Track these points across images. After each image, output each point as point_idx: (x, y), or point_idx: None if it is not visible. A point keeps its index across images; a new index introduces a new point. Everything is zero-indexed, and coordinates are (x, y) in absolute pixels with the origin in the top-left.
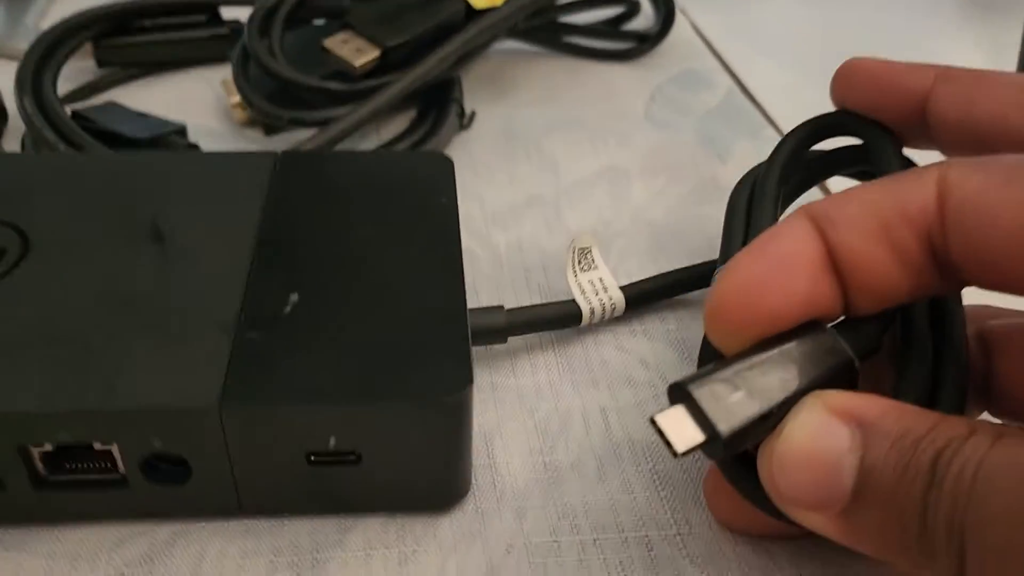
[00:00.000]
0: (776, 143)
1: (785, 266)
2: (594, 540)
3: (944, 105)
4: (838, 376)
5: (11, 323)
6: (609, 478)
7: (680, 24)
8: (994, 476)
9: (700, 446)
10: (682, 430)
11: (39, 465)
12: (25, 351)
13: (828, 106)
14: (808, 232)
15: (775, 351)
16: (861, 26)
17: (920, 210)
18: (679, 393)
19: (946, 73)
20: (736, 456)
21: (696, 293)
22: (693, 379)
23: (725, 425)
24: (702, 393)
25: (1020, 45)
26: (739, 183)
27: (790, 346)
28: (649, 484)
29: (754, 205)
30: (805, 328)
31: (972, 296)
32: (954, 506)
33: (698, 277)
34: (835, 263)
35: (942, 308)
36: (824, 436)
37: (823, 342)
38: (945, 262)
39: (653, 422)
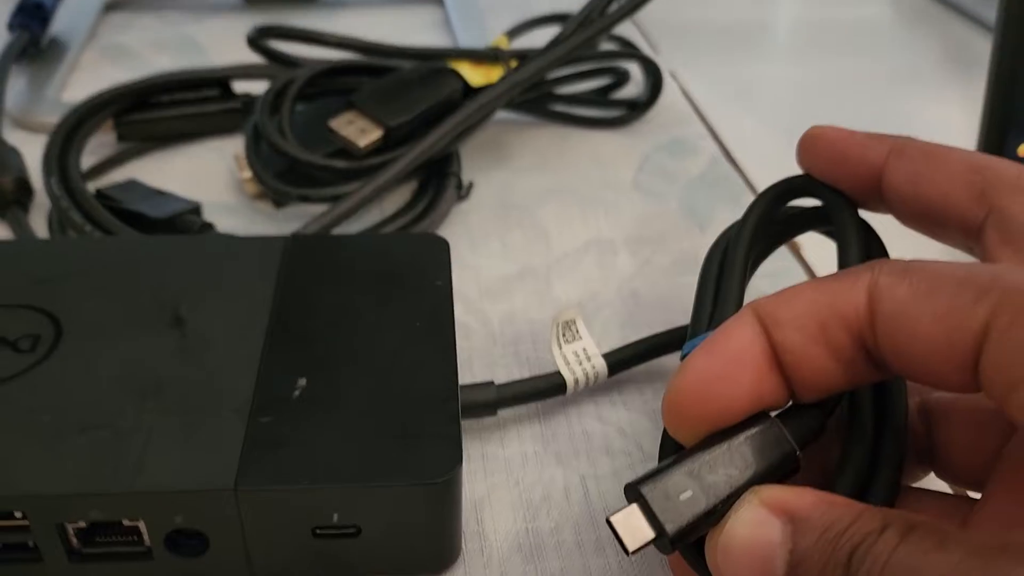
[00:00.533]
0: None
1: (734, 366)
2: None
3: (896, 179)
4: (781, 466)
5: (47, 409)
6: (585, 544)
7: (670, 88)
8: (902, 569)
9: (650, 542)
10: (634, 528)
11: (74, 539)
12: (62, 436)
13: None
14: (755, 331)
15: (724, 446)
16: (848, 87)
17: (854, 313)
18: (633, 493)
19: (900, 147)
20: (693, 547)
21: (673, 357)
22: (646, 479)
23: (672, 525)
24: (653, 495)
25: (982, 108)
26: (712, 247)
27: (738, 440)
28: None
29: (723, 275)
30: (753, 420)
31: None
32: None
33: (675, 341)
34: (778, 359)
35: (885, 390)
36: (759, 530)
37: (768, 435)
38: (877, 358)
39: (609, 522)
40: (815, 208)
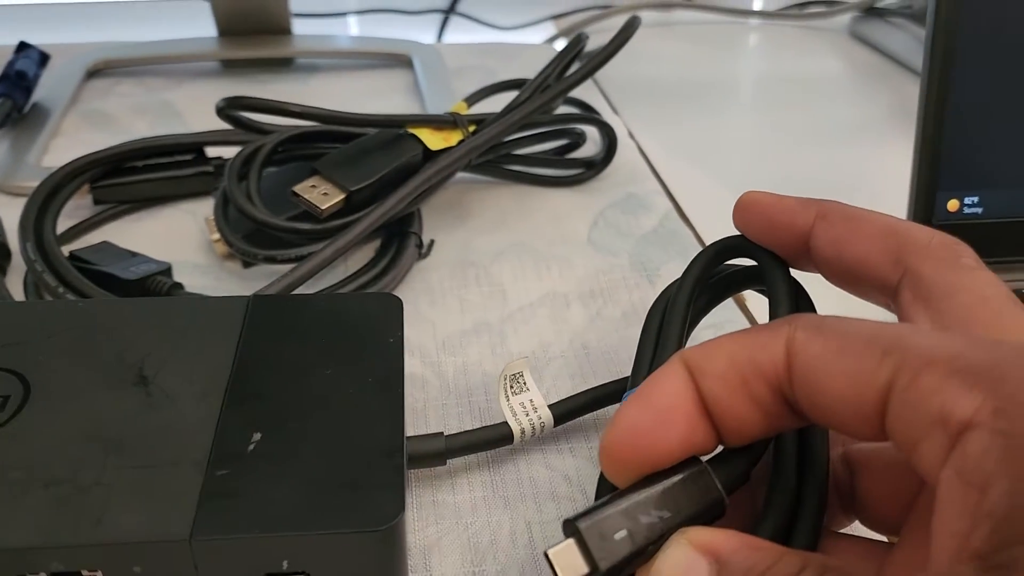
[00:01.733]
0: None
1: (665, 415)
2: None
3: (821, 243)
4: (709, 510)
5: (14, 466)
6: None
7: (626, 146)
8: None
9: None
10: (570, 563)
11: None
12: (26, 492)
13: None
14: (683, 381)
15: (657, 488)
16: (801, 141)
17: (772, 366)
18: (571, 528)
19: (824, 212)
20: None
21: (618, 407)
22: (584, 515)
23: (605, 562)
24: (589, 532)
25: (911, 166)
26: (654, 304)
27: (669, 484)
28: None
29: (663, 329)
30: (684, 465)
31: None
32: None
33: (619, 391)
34: (706, 408)
35: (808, 439)
36: (686, 569)
37: (698, 480)
38: (795, 407)
39: (546, 555)
40: (752, 267)
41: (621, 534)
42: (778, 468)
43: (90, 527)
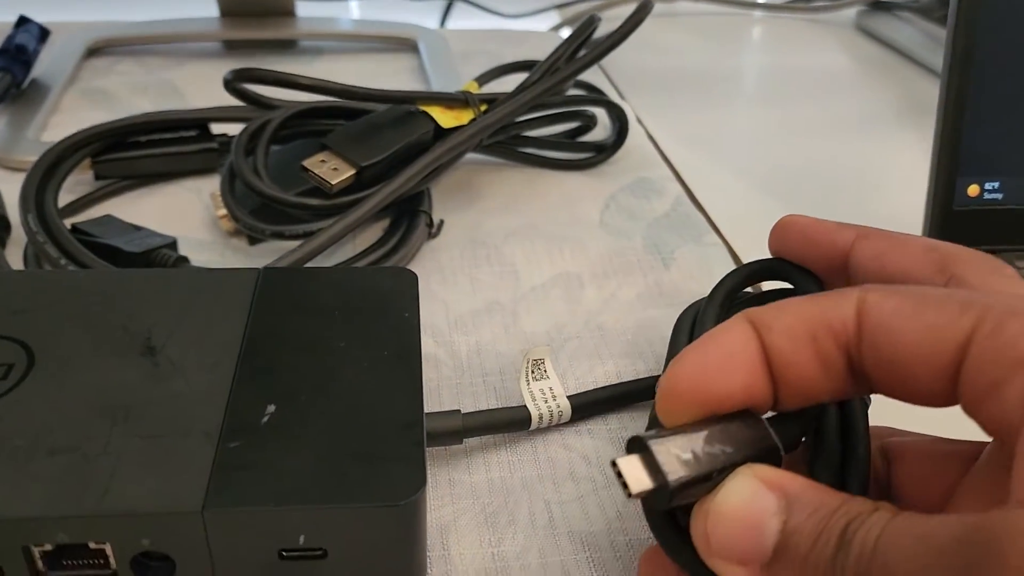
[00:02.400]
0: (716, 248)
1: (728, 360)
2: None
3: (863, 258)
4: (766, 460)
5: (18, 434)
6: (550, 567)
7: (635, 133)
8: (893, 541)
9: (650, 492)
10: (637, 476)
11: (39, 563)
12: (30, 460)
13: (768, 211)
14: (748, 334)
15: (718, 427)
16: (808, 132)
17: (842, 325)
18: (638, 445)
19: (865, 232)
20: (670, 523)
21: (636, 406)
22: (650, 436)
23: (674, 477)
24: (658, 448)
25: (931, 152)
26: (681, 315)
27: (729, 424)
28: (586, 570)
29: (695, 327)
30: (741, 415)
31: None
32: (859, 564)
33: (637, 392)
34: (769, 363)
35: (849, 424)
36: (754, 500)
37: (756, 429)
38: (859, 370)
39: (613, 463)
40: (780, 290)
41: (687, 456)
42: (821, 446)
43: (97, 497)
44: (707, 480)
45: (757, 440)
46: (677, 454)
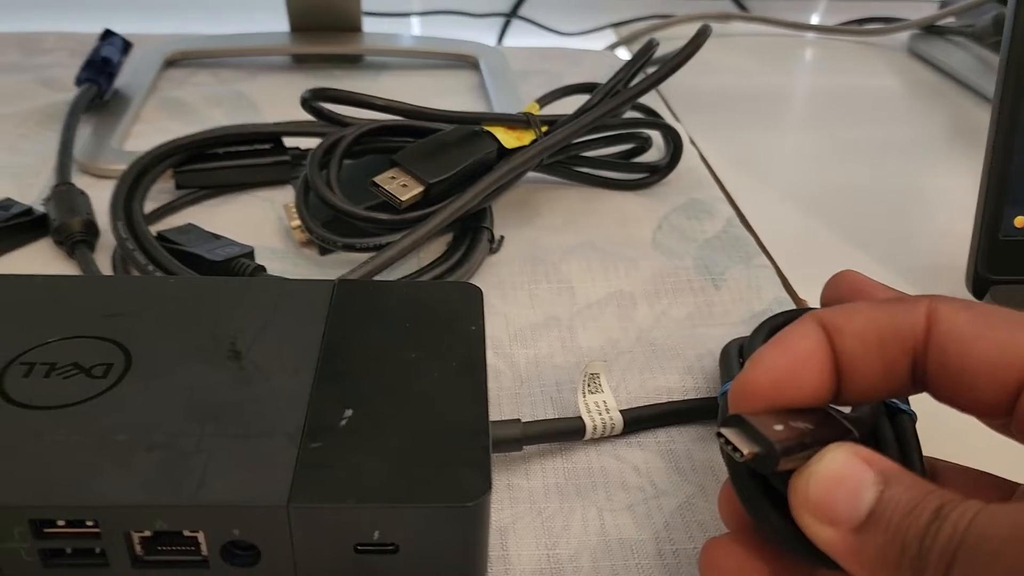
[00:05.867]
0: (765, 270)
1: (801, 363)
2: None
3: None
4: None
5: (119, 429)
6: (601, 570)
7: (689, 154)
8: (989, 521)
9: (757, 456)
10: (742, 443)
11: (138, 547)
12: (132, 454)
13: (816, 234)
14: (819, 336)
15: (796, 413)
16: (858, 155)
17: (910, 332)
18: (735, 420)
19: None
20: (760, 489)
21: (686, 426)
22: (743, 415)
23: (779, 444)
24: (756, 420)
25: (980, 181)
26: (724, 348)
27: (805, 414)
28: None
29: (744, 351)
30: (813, 409)
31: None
32: (952, 534)
33: (685, 411)
34: (836, 363)
35: (903, 433)
36: (853, 468)
37: (831, 418)
38: (920, 375)
39: (720, 434)
40: None
41: (779, 427)
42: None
43: (193, 489)
44: (804, 449)
45: (836, 425)
46: (772, 427)
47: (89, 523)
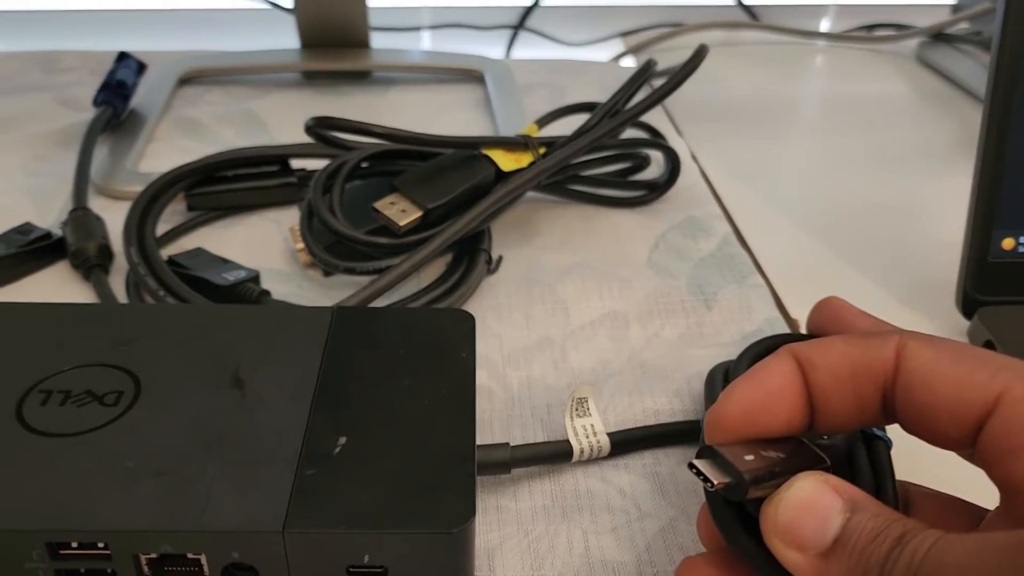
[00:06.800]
0: (758, 289)
1: (774, 395)
2: None
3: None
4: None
5: (129, 455)
6: None
7: (689, 169)
8: (946, 548)
9: (728, 484)
10: (714, 473)
11: (145, 568)
12: (140, 480)
13: (813, 251)
14: (793, 370)
15: (768, 443)
16: (862, 165)
17: (881, 367)
18: (708, 452)
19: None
20: (734, 515)
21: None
22: (716, 445)
23: (748, 473)
24: (727, 452)
25: (969, 201)
26: (710, 373)
27: (777, 444)
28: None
29: (729, 376)
30: (787, 439)
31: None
32: (911, 561)
33: (672, 434)
34: (809, 395)
35: (877, 460)
36: (820, 495)
37: (803, 446)
38: (891, 408)
39: (692, 465)
40: None
41: (750, 458)
42: (854, 480)
43: (196, 515)
44: (774, 478)
45: (807, 456)
46: (743, 457)
47: (100, 545)
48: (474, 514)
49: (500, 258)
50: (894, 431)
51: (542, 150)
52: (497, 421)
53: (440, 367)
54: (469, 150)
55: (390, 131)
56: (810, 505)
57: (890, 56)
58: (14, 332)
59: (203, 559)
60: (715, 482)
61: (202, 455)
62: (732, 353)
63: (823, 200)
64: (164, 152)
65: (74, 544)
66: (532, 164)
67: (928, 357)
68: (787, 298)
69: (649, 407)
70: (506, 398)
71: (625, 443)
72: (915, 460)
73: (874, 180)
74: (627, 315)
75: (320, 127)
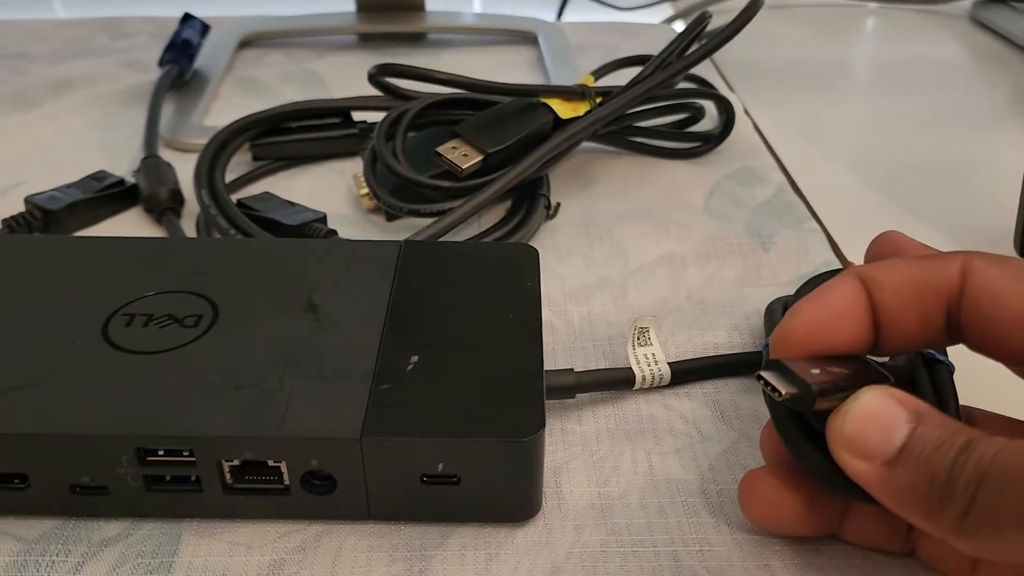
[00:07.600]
0: (814, 234)
1: (841, 314)
2: (633, 552)
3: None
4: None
5: (210, 371)
6: (648, 506)
7: (742, 124)
8: (1012, 452)
9: (795, 395)
10: (781, 384)
11: (228, 475)
12: (223, 393)
13: (867, 201)
14: (858, 289)
15: (833, 359)
16: (916, 125)
17: (945, 285)
18: (775, 364)
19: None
20: (797, 425)
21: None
22: (783, 359)
23: (815, 386)
24: (795, 364)
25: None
26: (771, 304)
27: (843, 360)
28: (680, 511)
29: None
30: (851, 358)
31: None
32: (978, 465)
33: (732, 364)
34: (875, 315)
35: (939, 382)
36: (886, 406)
37: (867, 364)
38: (955, 327)
39: (759, 376)
40: None
41: (816, 371)
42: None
43: (277, 423)
44: (840, 391)
45: (871, 373)
46: (810, 371)
47: (185, 452)
48: (543, 425)
49: (559, 204)
50: (955, 359)
51: (599, 99)
52: (560, 352)
53: (507, 294)
54: (528, 98)
55: (451, 76)
56: (876, 416)
57: (944, 17)
58: (97, 262)
59: (283, 466)
60: (783, 391)
61: (280, 371)
62: (790, 291)
63: (877, 156)
64: (227, 110)
65: (161, 451)
66: (589, 112)
67: (994, 273)
68: (843, 243)
69: (709, 340)
70: (568, 332)
71: (686, 372)
72: (976, 387)
73: (929, 137)
74: (685, 256)
75: (383, 74)
